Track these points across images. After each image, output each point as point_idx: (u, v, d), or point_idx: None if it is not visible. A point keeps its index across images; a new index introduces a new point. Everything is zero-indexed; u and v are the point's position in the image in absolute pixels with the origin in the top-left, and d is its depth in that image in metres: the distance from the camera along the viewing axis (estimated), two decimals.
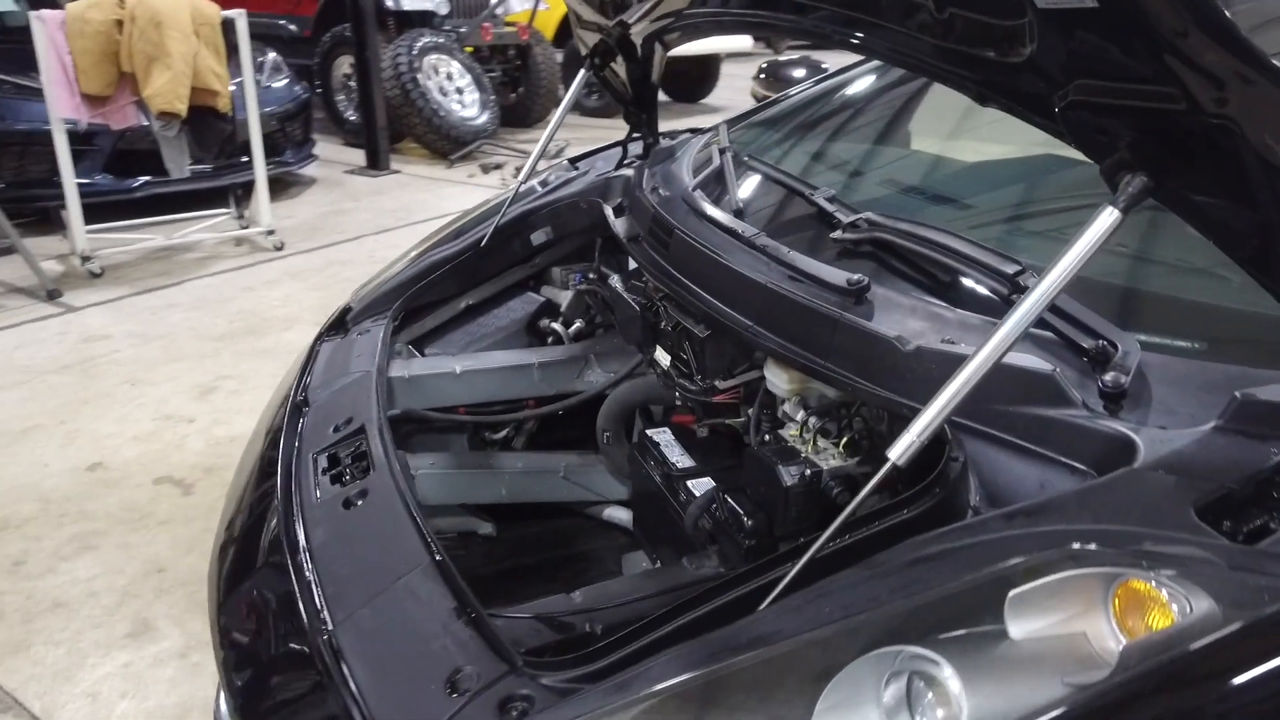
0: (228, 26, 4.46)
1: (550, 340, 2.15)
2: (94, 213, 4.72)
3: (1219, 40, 0.74)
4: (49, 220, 4.96)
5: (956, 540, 0.93)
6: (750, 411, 1.52)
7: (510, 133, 7.74)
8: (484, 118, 7.19)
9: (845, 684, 0.84)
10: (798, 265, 1.44)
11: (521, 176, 2.22)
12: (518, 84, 8.20)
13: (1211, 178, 0.84)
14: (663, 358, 1.68)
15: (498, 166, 6.77)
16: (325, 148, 7.38)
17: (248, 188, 5.13)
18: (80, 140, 4.90)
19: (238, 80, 4.69)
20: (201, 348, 3.67)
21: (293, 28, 7.94)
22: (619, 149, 2.45)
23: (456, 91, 7.19)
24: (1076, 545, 0.84)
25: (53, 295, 4.12)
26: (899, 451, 0.92)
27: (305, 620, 1.20)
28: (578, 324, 2.12)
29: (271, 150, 5.90)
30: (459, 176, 6.65)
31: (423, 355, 2.08)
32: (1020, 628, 0.83)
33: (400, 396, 1.92)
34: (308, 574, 1.30)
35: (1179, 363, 1.10)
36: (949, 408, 0.92)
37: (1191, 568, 0.81)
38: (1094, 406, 1.07)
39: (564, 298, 2.18)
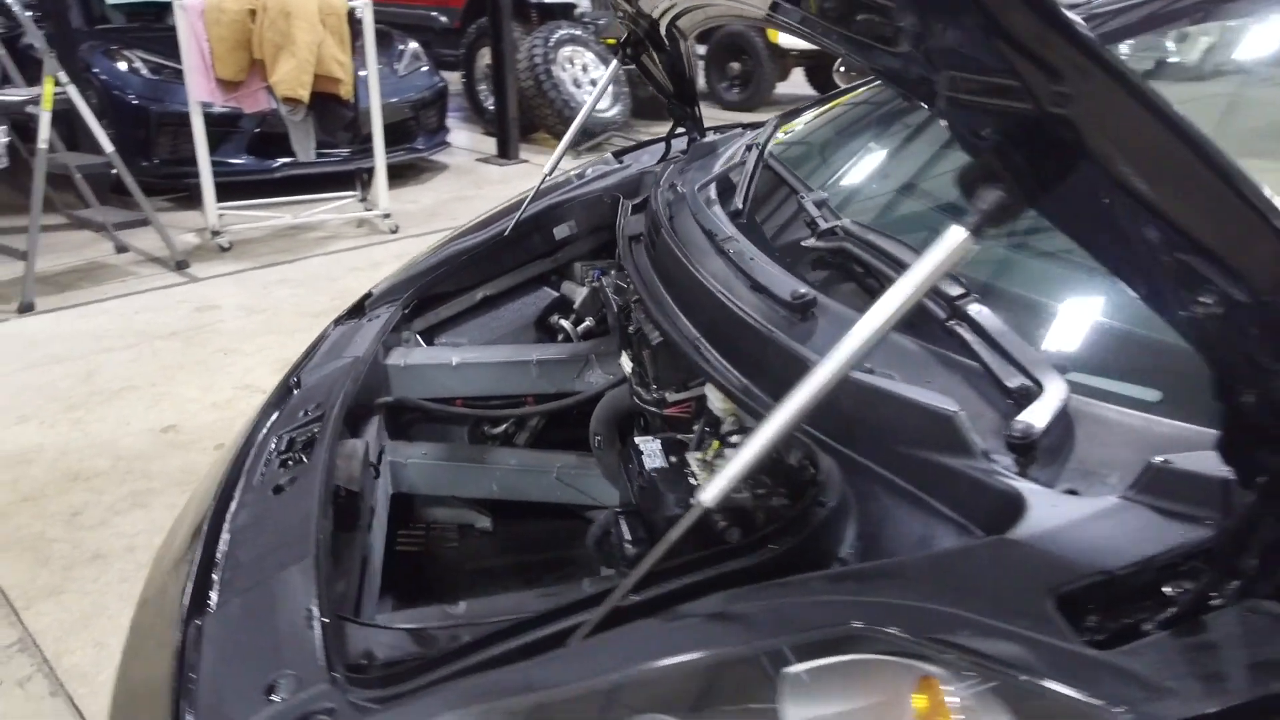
0: (354, 16, 4.65)
1: (561, 337, 2.10)
2: (237, 191, 5.06)
3: (1042, 18, 0.60)
4: (196, 196, 5.34)
5: (769, 598, 0.81)
6: (695, 427, 1.42)
7: (644, 125, 7.74)
8: (615, 110, 7.21)
9: None
10: (754, 274, 1.33)
11: (547, 169, 2.18)
12: None
13: (1071, 193, 0.68)
14: (625, 363, 1.60)
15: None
16: (467, 136, 7.63)
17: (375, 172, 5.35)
18: (226, 123, 5.27)
19: (379, 65, 4.88)
20: (297, 323, 3.84)
21: (444, 19, 8.24)
22: (664, 144, 2.38)
23: (590, 83, 7.24)
24: (859, 624, 0.71)
25: (181, 266, 4.43)
26: (710, 494, 0.81)
27: (187, 603, 1.21)
28: (587, 322, 2.06)
29: (404, 137, 6.15)
30: None
31: (431, 344, 2.07)
32: (797, 712, 0.71)
33: (396, 385, 1.92)
34: (217, 557, 1.30)
35: (1123, 415, 0.93)
36: (765, 451, 0.80)
37: (1002, 673, 0.67)
38: (1000, 457, 0.92)
39: (580, 294, 2.12)
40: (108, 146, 4.18)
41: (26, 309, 3.87)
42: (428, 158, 6.59)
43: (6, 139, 4.24)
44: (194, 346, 3.59)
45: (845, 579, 0.82)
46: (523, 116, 6.99)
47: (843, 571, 0.85)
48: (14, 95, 4.00)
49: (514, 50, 6.83)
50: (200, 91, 4.43)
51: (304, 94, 4.44)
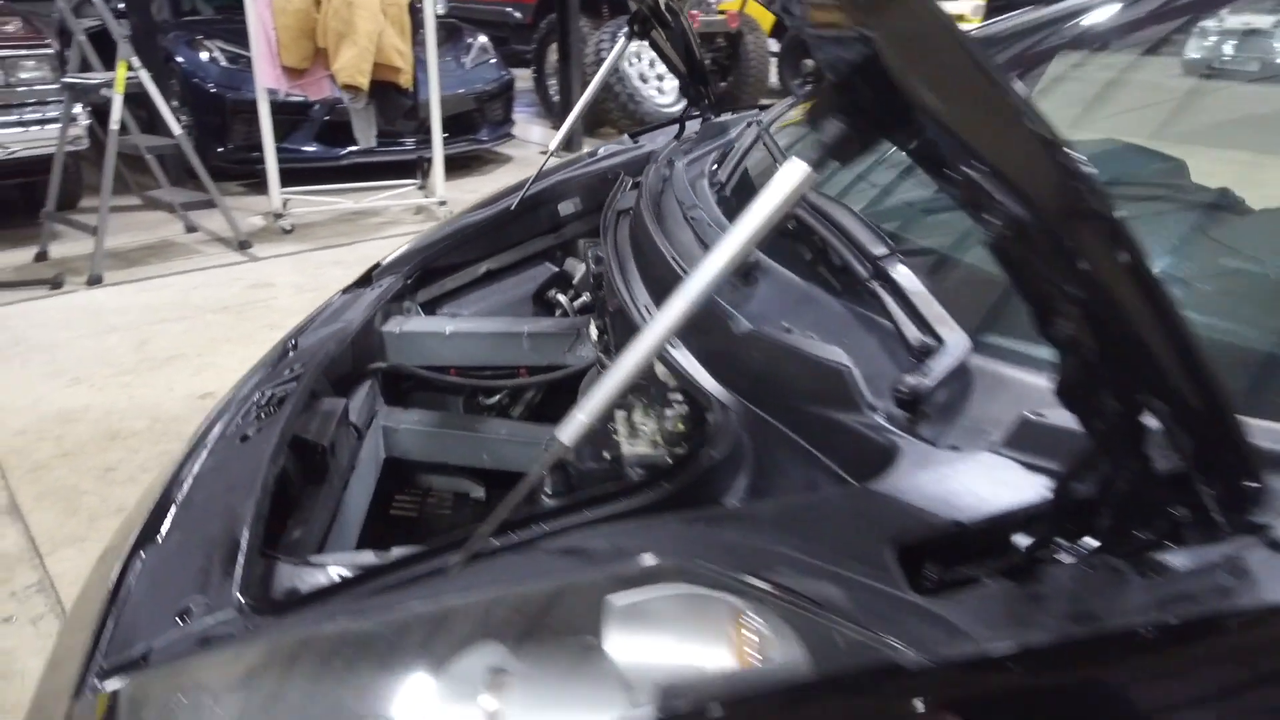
0: (415, 7, 4.77)
1: (558, 312, 2.12)
2: (307, 177, 5.24)
3: None
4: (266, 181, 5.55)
5: (617, 536, 0.81)
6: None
7: None
8: (680, 105, 7.19)
9: (455, 677, 0.76)
10: (708, 240, 1.33)
11: (553, 145, 2.21)
12: (727, 72, 8.14)
13: (893, 122, 0.66)
14: (593, 331, 1.60)
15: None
16: (538, 131, 7.72)
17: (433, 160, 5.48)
18: (297, 112, 5.46)
19: (447, 59, 4.99)
20: None
21: (518, 15, 8.37)
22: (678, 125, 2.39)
23: (657, 78, 7.25)
24: (676, 559, 0.70)
25: (243, 246, 4.60)
26: (566, 434, 0.81)
27: (135, 537, 1.27)
28: (584, 297, 2.07)
29: (469, 128, 6.27)
30: None
31: (432, 314, 2.11)
32: (618, 643, 0.71)
33: (391, 351, 1.96)
34: (178, 498, 1.36)
35: (1025, 374, 0.90)
36: (617, 391, 0.79)
37: (804, 608, 0.65)
38: (889, 412, 0.89)
39: (580, 270, 2.14)
40: (175, 129, 4.37)
41: (95, 281, 4.08)
42: (493, 149, 6.70)
43: (87, 121, 4.49)
44: (243, 321, 3.74)
45: (697, 521, 0.81)
46: (589, 110, 7.04)
47: (695, 515, 0.84)
48: (91, 78, 4.22)
49: (581, 45, 6.89)
50: (266, 78, 4.59)
51: (363, 81, 4.56)
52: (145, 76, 4.19)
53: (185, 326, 3.67)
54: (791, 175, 0.72)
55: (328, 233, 4.99)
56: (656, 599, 0.71)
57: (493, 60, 6.62)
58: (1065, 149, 0.51)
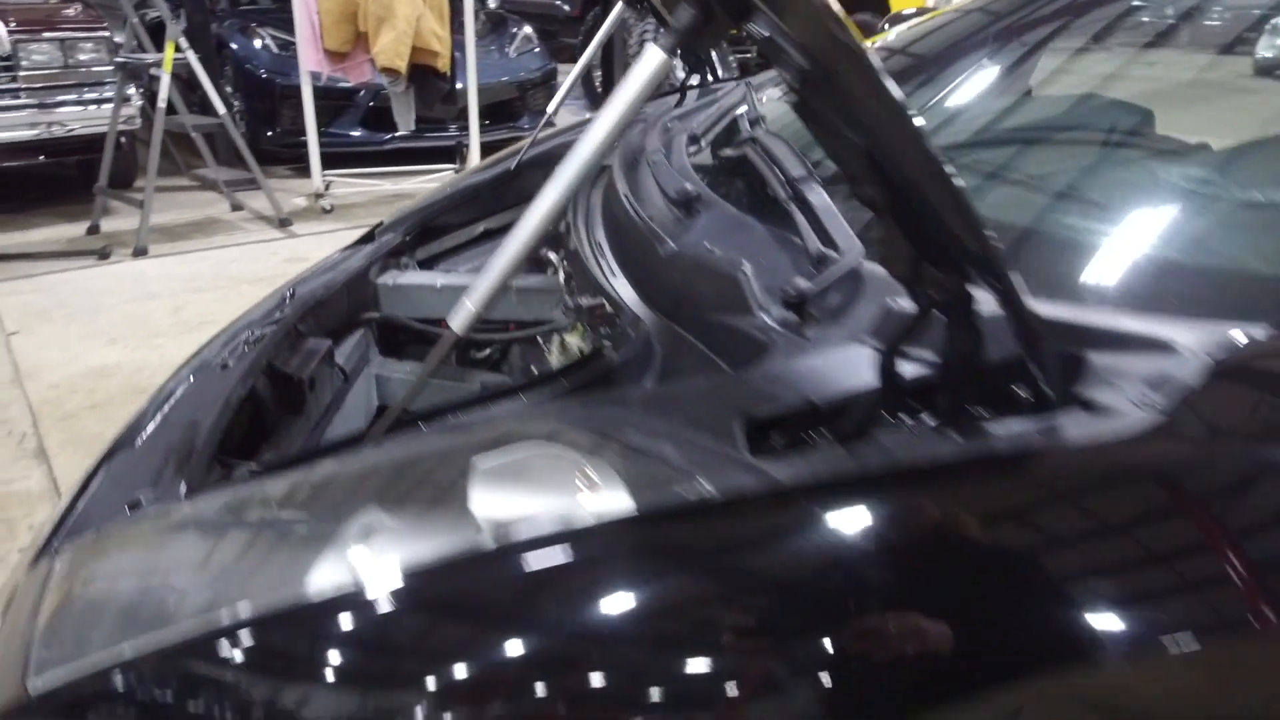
0: None
1: (550, 270, 2.17)
2: (351, 161, 5.39)
3: None
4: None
5: (502, 416, 0.85)
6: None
7: None
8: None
9: (332, 534, 0.81)
10: (660, 177, 1.37)
11: (550, 110, 2.26)
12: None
13: (733, 9, 0.69)
14: (561, 273, 1.65)
15: None
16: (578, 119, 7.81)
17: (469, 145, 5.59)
18: (343, 98, 5.61)
19: (491, 48, 5.09)
20: None
21: (566, 7, 8.47)
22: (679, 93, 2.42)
23: None
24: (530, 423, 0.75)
25: (284, 224, 4.76)
26: (457, 321, 0.86)
27: (112, 441, 1.36)
28: None
29: (510, 115, 6.38)
30: None
31: (429, 270, 2.18)
32: (479, 495, 0.76)
33: (386, 303, 2.04)
34: (149, 415, 1.46)
35: None
36: (500, 280, 0.84)
37: (636, 461, 0.69)
38: (777, 314, 0.93)
39: None
40: (220, 108, 4.55)
41: (140, 253, 4.26)
42: None
43: (140, 102, 4.68)
44: None
45: (573, 403, 0.86)
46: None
47: (577, 398, 0.89)
48: (142, 58, 4.41)
49: (625, 36, 6.96)
50: (309, 61, 4.74)
51: (401, 65, 4.68)
52: (193, 58, 4.36)
53: (219, 295, 3.82)
54: (649, 62, 0.76)
55: (366, 214, 5.12)
56: (515, 459, 0.75)
57: (536, 49, 6.71)
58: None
